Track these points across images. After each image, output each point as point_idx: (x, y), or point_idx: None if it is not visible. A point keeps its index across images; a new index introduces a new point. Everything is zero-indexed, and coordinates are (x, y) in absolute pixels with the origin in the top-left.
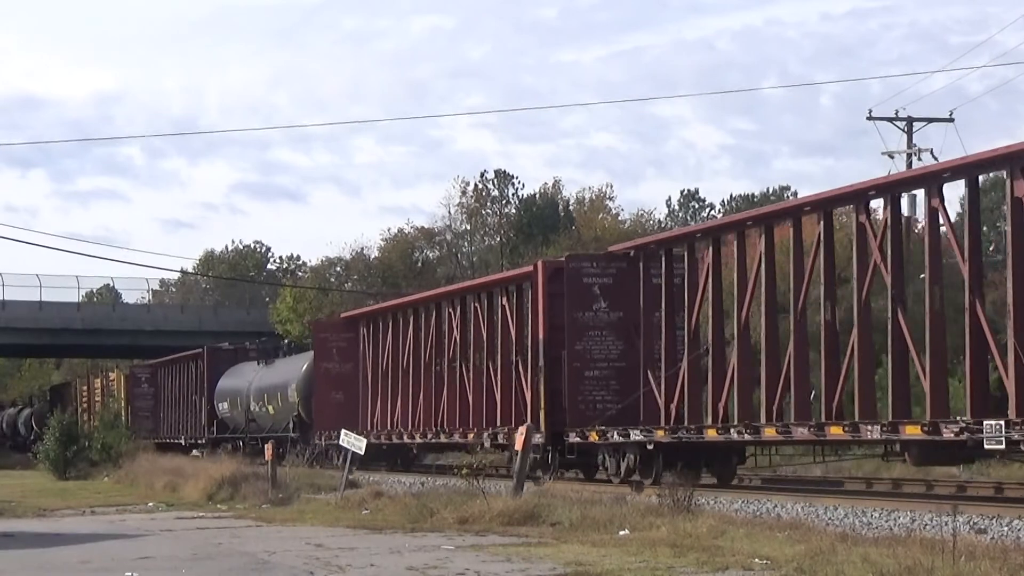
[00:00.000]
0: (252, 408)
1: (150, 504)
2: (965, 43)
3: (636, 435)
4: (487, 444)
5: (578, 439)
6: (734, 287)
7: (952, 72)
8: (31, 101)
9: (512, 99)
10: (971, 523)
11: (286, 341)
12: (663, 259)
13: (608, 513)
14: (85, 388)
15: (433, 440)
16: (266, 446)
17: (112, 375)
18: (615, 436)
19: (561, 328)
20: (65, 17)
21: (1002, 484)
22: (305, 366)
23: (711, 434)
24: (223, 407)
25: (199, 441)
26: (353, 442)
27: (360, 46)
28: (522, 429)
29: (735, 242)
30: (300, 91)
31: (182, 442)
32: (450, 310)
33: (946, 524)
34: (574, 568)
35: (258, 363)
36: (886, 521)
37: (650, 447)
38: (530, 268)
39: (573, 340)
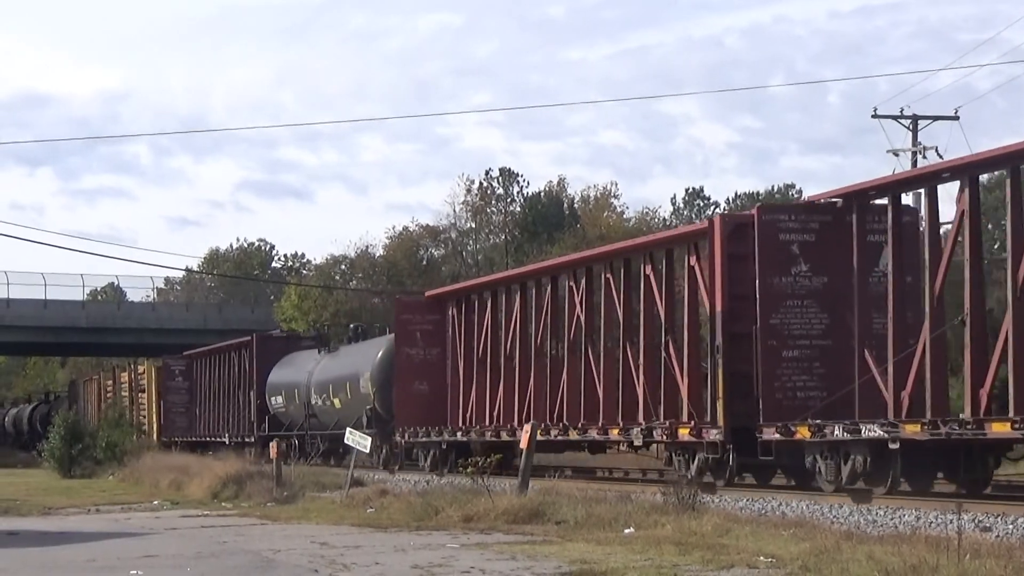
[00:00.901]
0: (313, 402)
1: (155, 502)
2: (973, 41)
3: (872, 430)
4: (638, 441)
5: (778, 435)
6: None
7: (960, 70)
8: (38, 99)
9: (519, 97)
10: (976, 521)
11: (352, 326)
12: (891, 206)
13: (613, 511)
14: (110, 382)
15: (558, 437)
16: (270, 444)
17: (141, 368)
18: (838, 432)
19: (743, 298)
20: (72, 15)
21: (1011, 482)
22: (381, 353)
23: (999, 428)
24: (276, 401)
25: (247, 439)
26: (359, 440)
27: (367, 44)
28: (527, 427)
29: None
30: (306, 89)
31: (225, 440)
32: (571, 283)
33: (951, 522)
34: (579, 566)
35: (319, 351)
36: (891, 519)
37: (894, 446)
38: (693, 227)
39: (768, 312)
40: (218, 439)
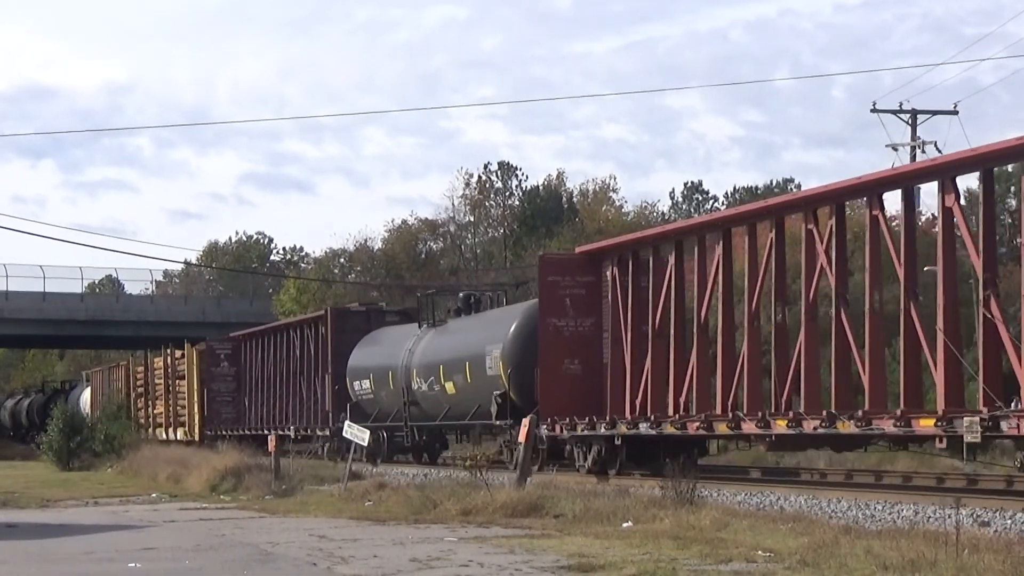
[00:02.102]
0: (415, 387)
1: (153, 495)
2: (979, 35)
3: None
4: (971, 436)
5: None
6: None
7: (964, 63)
8: (42, 91)
9: (523, 90)
10: (975, 516)
11: (461, 295)
12: None
13: (611, 505)
14: (141, 369)
15: (819, 430)
16: (269, 437)
17: (179, 352)
18: None
19: None
20: (76, 7)
21: (1012, 477)
22: (516, 325)
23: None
24: (361, 386)
25: (319, 431)
26: (356, 433)
27: (373, 37)
28: (525, 421)
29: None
30: (311, 82)
31: (290, 433)
32: (808, 225)
33: (949, 517)
34: (577, 560)
35: (420, 325)
36: (889, 514)
37: None
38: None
39: None
40: (277, 432)
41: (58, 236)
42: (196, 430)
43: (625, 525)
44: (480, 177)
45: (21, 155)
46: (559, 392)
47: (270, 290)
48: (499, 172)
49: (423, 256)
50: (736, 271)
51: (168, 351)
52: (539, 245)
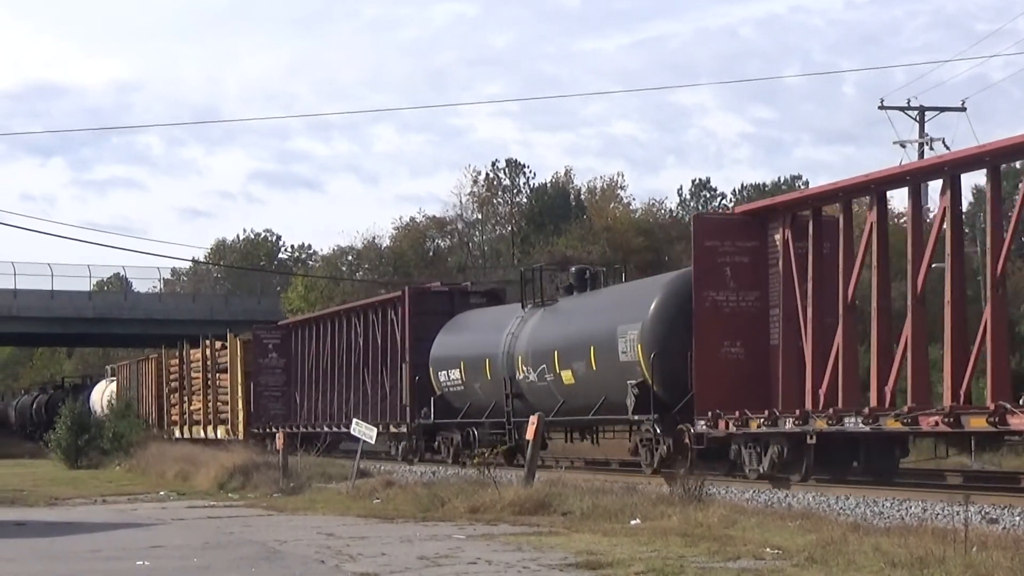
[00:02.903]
0: (521, 376)
1: (161, 493)
2: (990, 31)
3: None
4: None
5: None
6: None
7: (975, 60)
8: (51, 89)
9: (533, 87)
10: (983, 513)
11: (574, 269)
12: None
13: (619, 503)
14: (174, 362)
15: None
16: (277, 435)
17: (219, 344)
18: None
19: None
20: (85, 5)
21: (1017, 473)
22: (658, 301)
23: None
24: (448, 377)
25: (396, 428)
26: (364, 431)
27: (381, 34)
28: (533, 419)
29: None
30: (320, 79)
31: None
32: None
33: (958, 514)
34: (585, 557)
35: (524, 306)
36: (897, 511)
37: None
38: None
39: None
40: (336, 428)
41: (66, 234)
42: (240, 428)
43: (633, 522)
44: (488, 175)
45: (30, 153)
46: (718, 380)
47: (278, 288)
48: (507, 169)
49: (431, 254)
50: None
51: (208, 343)
52: (546, 243)
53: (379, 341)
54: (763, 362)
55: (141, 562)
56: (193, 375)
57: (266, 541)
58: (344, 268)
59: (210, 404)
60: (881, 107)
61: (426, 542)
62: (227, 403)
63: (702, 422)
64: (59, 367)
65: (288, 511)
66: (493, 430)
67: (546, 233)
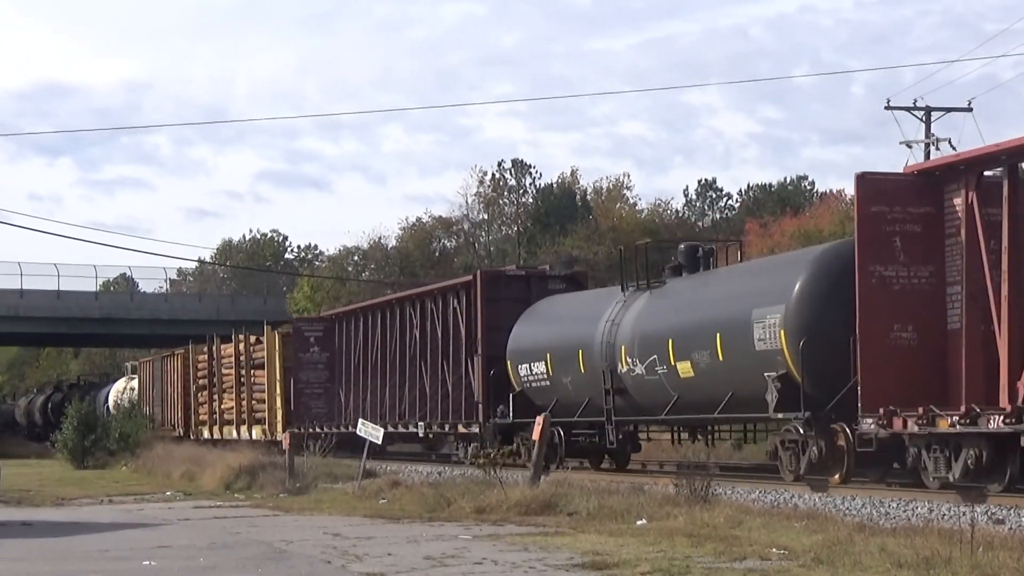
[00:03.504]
0: (624, 369)
1: (168, 493)
2: (999, 30)
3: None
4: None
5: None
6: None
7: (985, 59)
8: (60, 89)
9: (542, 87)
10: (989, 513)
11: (682, 247)
12: None
13: (625, 503)
14: (203, 357)
15: None
16: (283, 435)
17: (254, 338)
18: None
19: None
20: (94, 5)
21: None
22: (803, 278)
23: None
24: (531, 371)
25: (466, 429)
26: (370, 431)
27: (391, 33)
28: (539, 419)
29: None
30: (329, 79)
31: (418, 431)
32: None
33: (964, 514)
34: (591, 558)
35: (624, 289)
36: (904, 511)
37: None
38: None
39: None
40: (392, 428)
41: (72, 234)
42: (278, 428)
43: (639, 523)
44: (494, 175)
45: (39, 153)
46: (886, 371)
47: (284, 288)
48: (513, 170)
49: (437, 254)
50: None
51: (243, 337)
52: (552, 243)
53: (440, 332)
54: (938, 349)
55: (147, 562)
56: (224, 372)
57: (272, 541)
58: (350, 268)
59: (244, 403)
60: (887, 107)
61: (432, 542)
62: (263, 401)
63: (870, 420)
64: (65, 367)
65: (294, 511)
66: (585, 430)
67: (552, 233)
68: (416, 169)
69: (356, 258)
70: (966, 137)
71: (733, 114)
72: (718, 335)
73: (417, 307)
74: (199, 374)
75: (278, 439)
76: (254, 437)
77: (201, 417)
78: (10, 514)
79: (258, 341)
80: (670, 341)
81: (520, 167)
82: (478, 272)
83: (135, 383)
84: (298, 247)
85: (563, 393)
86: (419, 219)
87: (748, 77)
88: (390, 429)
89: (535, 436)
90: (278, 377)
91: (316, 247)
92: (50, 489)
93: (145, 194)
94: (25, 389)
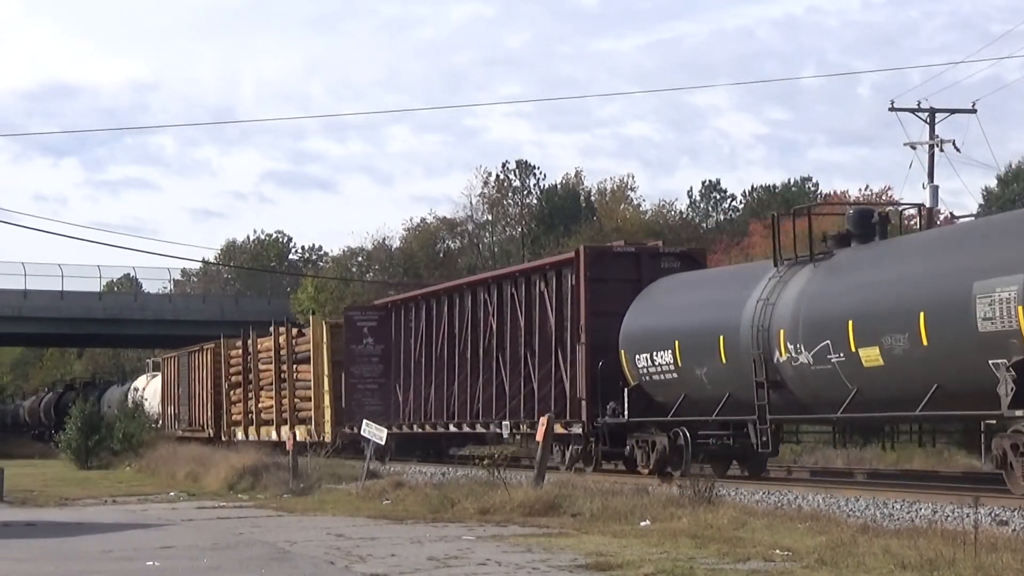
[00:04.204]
0: (781, 359)
1: (171, 494)
2: (1007, 32)
3: None
4: None
5: None
6: None
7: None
8: (67, 89)
9: (549, 88)
10: (993, 515)
11: (852, 212)
12: None
13: (629, 504)
14: (236, 351)
15: None
16: (287, 437)
17: (296, 331)
18: None
19: None
20: (102, 5)
21: None
22: None
23: None
24: (651, 362)
25: (565, 429)
26: (375, 432)
27: (398, 34)
28: (543, 419)
29: None
30: (336, 79)
31: (500, 432)
32: None
33: (968, 516)
34: (595, 559)
35: (782, 261)
36: (907, 513)
37: None
38: None
39: None
40: (470, 429)
41: (76, 235)
42: (327, 428)
43: (643, 524)
44: (498, 176)
45: (44, 154)
46: None
47: (288, 289)
48: (517, 171)
49: (441, 255)
50: None
51: (284, 329)
52: (556, 244)
53: (523, 319)
54: None
55: (151, 562)
56: (262, 367)
57: (276, 542)
58: (354, 269)
59: (285, 401)
60: (891, 108)
61: (436, 543)
62: (309, 399)
63: None
64: (69, 368)
65: (298, 512)
66: (716, 431)
67: (556, 234)
68: (422, 170)
69: (360, 259)
70: (971, 139)
71: (739, 115)
72: (921, 315)
73: (494, 292)
74: (232, 370)
75: (325, 440)
76: (298, 438)
77: (234, 417)
78: (14, 514)
79: (300, 333)
80: (849, 323)
81: (524, 168)
82: (581, 248)
83: (157, 381)
84: (302, 248)
85: (695, 387)
86: (423, 220)
87: (755, 78)
88: (465, 430)
89: (539, 437)
90: (326, 372)
91: (320, 248)
92: (54, 489)
93: (150, 195)
94: (34, 389)
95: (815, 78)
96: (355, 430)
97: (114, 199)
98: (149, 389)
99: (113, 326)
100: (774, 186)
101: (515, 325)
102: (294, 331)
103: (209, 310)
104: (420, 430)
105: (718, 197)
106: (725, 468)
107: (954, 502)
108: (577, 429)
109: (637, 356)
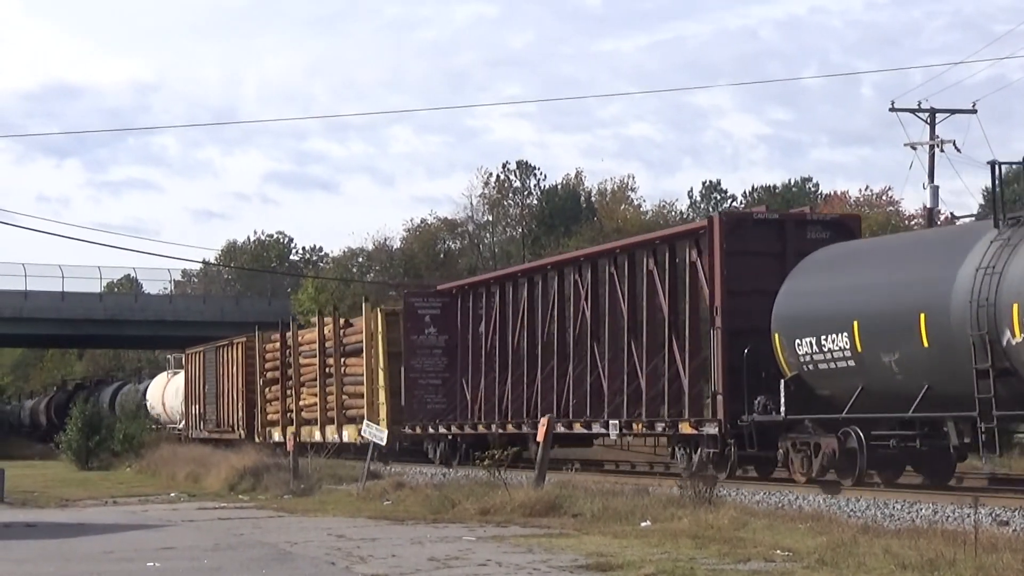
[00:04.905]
0: (1016, 339)
1: (172, 494)
2: (1010, 32)
3: None
4: None
5: None
6: None
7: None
8: (69, 90)
9: (551, 89)
10: (993, 515)
11: None
12: None
13: (630, 504)
14: (273, 346)
15: None
16: (287, 438)
17: (342, 320)
18: None
19: None
20: (104, 6)
21: None
22: None
23: None
24: (817, 347)
25: (695, 429)
26: (375, 433)
27: (401, 34)
28: (544, 420)
29: None
30: (338, 80)
31: (608, 432)
32: None
33: (968, 516)
34: (596, 559)
35: (1005, 221)
36: (908, 513)
37: None
38: None
39: None
40: (569, 428)
41: (77, 236)
42: (382, 427)
43: (644, 524)
44: (499, 176)
45: (47, 154)
46: None
47: (288, 290)
48: (517, 171)
49: (442, 256)
50: None
51: (330, 319)
52: (557, 244)
53: (625, 302)
54: None
55: (152, 563)
56: (303, 362)
57: (277, 543)
58: (355, 270)
59: (331, 398)
60: (892, 109)
61: (436, 544)
62: (361, 395)
63: None
64: (69, 369)
65: (298, 513)
66: (900, 430)
67: (556, 235)
68: (424, 170)
69: (360, 259)
70: (972, 139)
71: (741, 115)
72: None
73: (586, 272)
74: (268, 365)
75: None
76: (345, 439)
77: (270, 416)
78: (15, 515)
79: (347, 323)
80: None
81: (525, 168)
82: (716, 216)
83: (179, 379)
84: (303, 248)
85: (879, 377)
86: (423, 220)
87: (757, 78)
88: (560, 430)
89: (539, 438)
90: (382, 365)
91: (321, 248)
92: (54, 490)
93: (153, 195)
94: (42, 388)
95: (817, 78)
96: (416, 429)
97: (116, 200)
98: (170, 388)
99: (113, 327)
100: (774, 186)
101: (615, 309)
102: (341, 320)
103: (209, 311)
104: (501, 430)
105: (719, 197)
106: (897, 475)
107: (954, 502)
108: (712, 429)
109: (797, 341)
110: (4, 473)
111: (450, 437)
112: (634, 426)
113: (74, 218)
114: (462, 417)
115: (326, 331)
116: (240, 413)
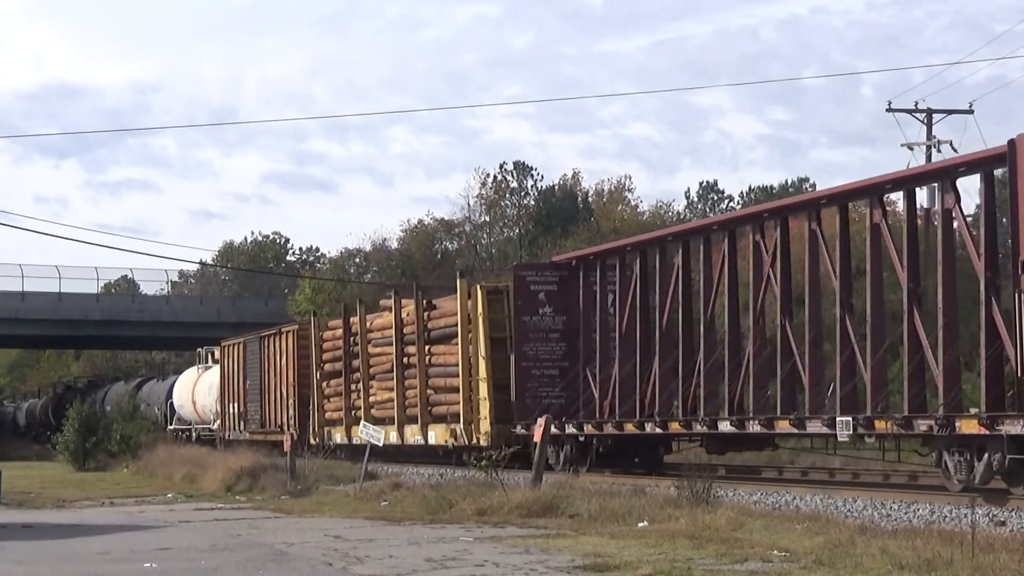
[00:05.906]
0: None
1: (169, 495)
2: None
3: None
4: None
5: None
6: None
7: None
8: (70, 91)
9: (551, 89)
10: (990, 515)
11: None
12: None
13: (627, 505)
14: (333, 333)
15: None
16: (284, 437)
17: (425, 301)
18: None
19: None
20: (105, 7)
21: None
22: None
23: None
24: None
25: (992, 428)
26: (372, 433)
27: (403, 34)
28: (541, 420)
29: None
30: (339, 80)
31: (836, 432)
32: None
33: (965, 516)
34: (593, 560)
35: None
36: (905, 513)
37: None
38: None
39: None
40: (751, 428)
41: (74, 236)
42: (482, 427)
43: (641, 525)
44: (496, 177)
45: (45, 155)
46: None
47: (285, 290)
48: (515, 172)
49: (439, 256)
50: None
51: (409, 300)
52: (554, 245)
53: (837, 265)
54: None
55: (149, 564)
56: (374, 351)
57: (273, 543)
58: (352, 270)
59: (412, 393)
60: (889, 109)
61: (433, 544)
62: (451, 389)
63: None
64: (66, 369)
65: (295, 513)
66: None
67: (553, 235)
68: (423, 171)
69: (358, 260)
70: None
71: (741, 116)
72: None
73: (774, 229)
74: (326, 356)
75: (480, 443)
76: (432, 441)
77: (329, 415)
78: (11, 516)
79: (431, 305)
80: None
81: (522, 169)
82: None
83: (212, 374)
84: (300, 249)
85: None
86: (420, 221)
87: (758, 78)
88: (755, 430)
89: (536, 438)
90: (483, 354)
91: (318, 249)
92: (51, 491)
93: (152, 196)
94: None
95: (818, 78)
96: (529, 429)
97: (115, 200)
98: (201, 384)
99: (111, 328)
100: (771, 187)
101: (813, 277)
102: (424, 301)
103: (206, 311)
104: (661, 430)
105: (716, 198)
106: None
107: (951, 503)
108: (1016, 428)
109: None
110: (1, 474)
111: (581, 439)
112: (877, 424)
113: (72, 219)
114: (584, 414)
115: (405, 315)
116: (289, 412)
